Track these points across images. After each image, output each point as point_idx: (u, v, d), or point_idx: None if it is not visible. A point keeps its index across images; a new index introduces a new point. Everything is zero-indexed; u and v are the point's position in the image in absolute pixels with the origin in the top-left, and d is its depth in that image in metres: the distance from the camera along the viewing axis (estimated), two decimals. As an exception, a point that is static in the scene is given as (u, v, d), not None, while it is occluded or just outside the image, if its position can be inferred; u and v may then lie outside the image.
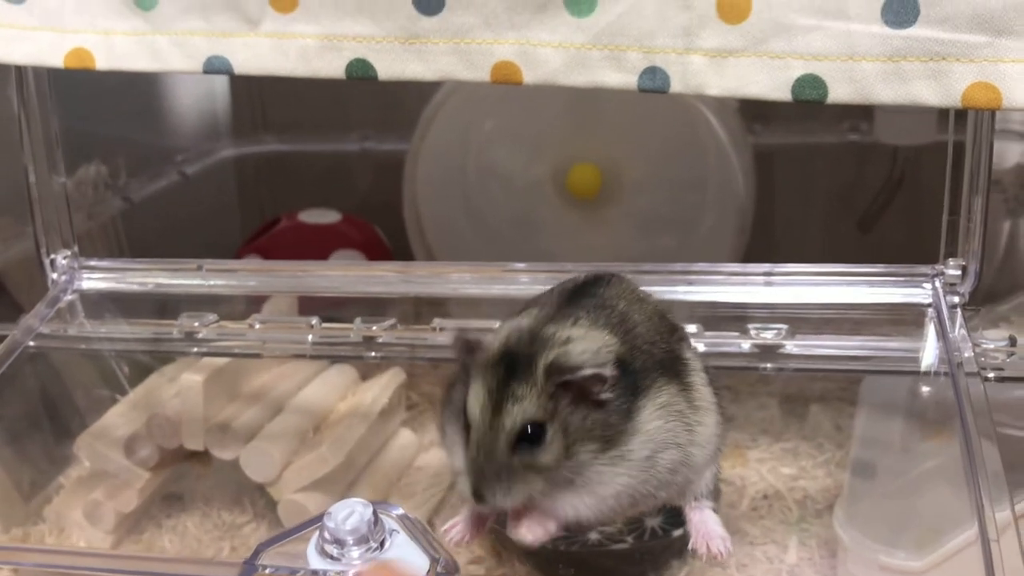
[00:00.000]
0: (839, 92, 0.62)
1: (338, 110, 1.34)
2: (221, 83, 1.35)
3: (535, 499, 0.54)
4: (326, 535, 0.49)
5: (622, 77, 0.65)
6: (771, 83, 0.63)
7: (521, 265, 0.78)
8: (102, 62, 0.69)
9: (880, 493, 0.76)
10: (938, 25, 0.59)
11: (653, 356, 0.57)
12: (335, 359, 0.84)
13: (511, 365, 0.53)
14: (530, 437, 0.53)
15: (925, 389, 0.65)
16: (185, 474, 0.90)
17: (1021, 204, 1.20)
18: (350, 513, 0.50)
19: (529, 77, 0.66)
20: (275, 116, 1.37)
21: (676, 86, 0.64)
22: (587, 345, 0.54)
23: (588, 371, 0.52)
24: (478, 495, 0.53)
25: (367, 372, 0.97)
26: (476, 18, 0.65)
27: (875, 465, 0.76)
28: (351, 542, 0.49)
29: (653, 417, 0.55)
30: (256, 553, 0.49)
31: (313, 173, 1.36)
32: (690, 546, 0.62)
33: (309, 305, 0.84)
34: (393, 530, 0.51)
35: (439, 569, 0.49)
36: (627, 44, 0.64)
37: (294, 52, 0.66)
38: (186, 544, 0.84)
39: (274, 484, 0.82)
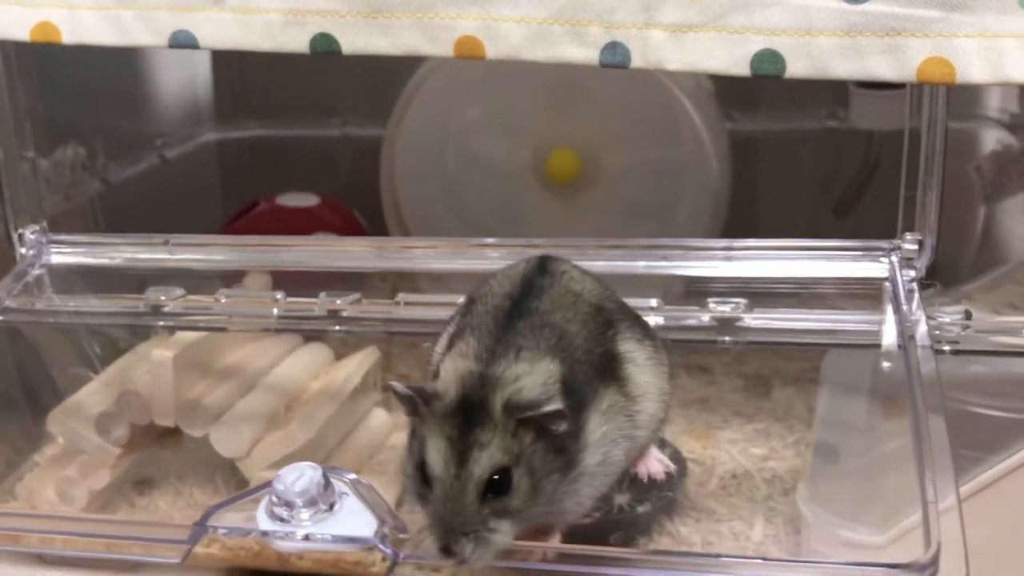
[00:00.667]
0: (797, 67, 0.62)
1: (320, 95, 1.35)
2: (203, 67, 1.35)
3: None
4: (275, 498, 0.50)
5: (584, 52, 0.65)
6: (730, 58, 0.63)
7: (491, 240, 0.79)
8: (68, 36, 0.69)
9: (843, 470, 0.77)
10: (894, 0, 0.60)
11: (591, 363, 0.57)
12: (300, 332, 0.85)
13: (468, 412, 0.52)
14: (498, 485, 0.52)
15: (885, 364, 0.66)
16: (158, 452, 0.90)
17: (998, 189, 1.21)
18: (299, 476, 0.50)
19: (492, 52, 0.66)
20: (257, 101, 1.37)
21: (637, 61, 0.65)
22: (536, 379, 0.54)
23: (548, 407, 0.52)
24: (447, 551, 0.51)
25: (342, 351, 0.98)
26: (439, -8, 0.65)
27: (838, 442, 0.77)
28: (300, 504, 0.50)
29: (599, 425, 0.56)
30: (207, 515, 0.50)
31: (295, 158, 1.37)
32: (632, 470, 0.62)
33: (286, 282, 0.84)
34: (343, 493, 0.51)
35: (387, 530, 0.49)
36: (588, 19, 0.64)
37: (259, 26, 0.67)
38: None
39: (244, 461, 0.83)
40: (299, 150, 1.36)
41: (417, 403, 0.53)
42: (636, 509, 0.81)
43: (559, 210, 1.18)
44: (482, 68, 1.12)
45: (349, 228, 1.19)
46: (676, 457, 0.87)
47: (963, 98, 1.24)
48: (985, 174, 1.21)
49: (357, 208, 1.26)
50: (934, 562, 0.47)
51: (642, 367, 0.60)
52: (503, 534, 0.52)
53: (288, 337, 0.95)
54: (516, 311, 0.58)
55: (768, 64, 0.62)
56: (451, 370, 0.54)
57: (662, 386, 0.61)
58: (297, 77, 1.32)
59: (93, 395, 0.87)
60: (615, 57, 0.65)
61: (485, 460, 0.51)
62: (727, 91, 1.24)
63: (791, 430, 0.94)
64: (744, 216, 1.20)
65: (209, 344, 0.87)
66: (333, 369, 0.93)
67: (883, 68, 0.61)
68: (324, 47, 0.67)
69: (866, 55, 0.61)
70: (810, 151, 1.26)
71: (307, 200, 1.20)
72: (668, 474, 0.85)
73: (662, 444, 0.89)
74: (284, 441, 0.81)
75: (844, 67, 0.62)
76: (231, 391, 0.86)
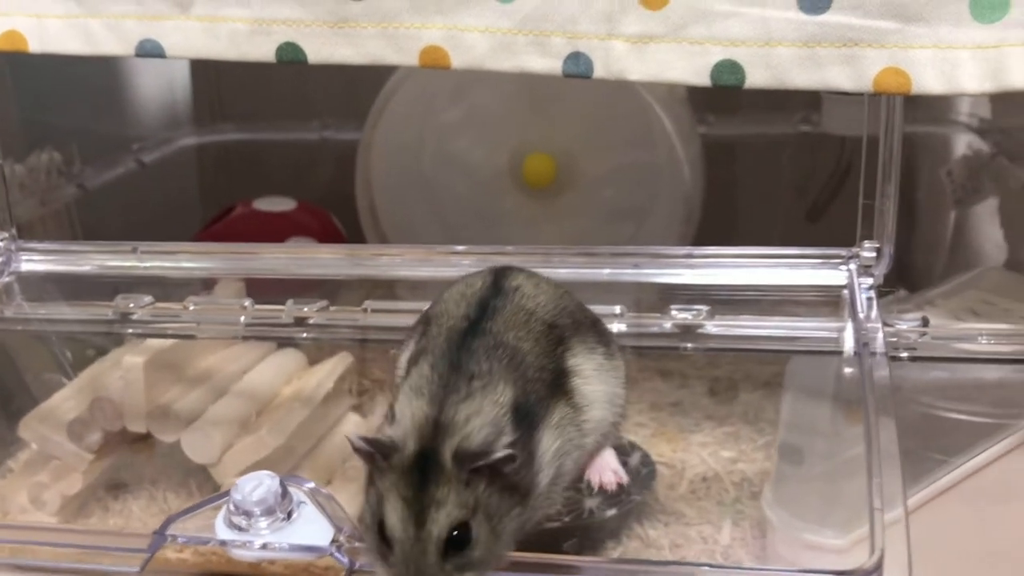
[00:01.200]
0: (756, 77, 0.63)
1: (298, 99, 1.35)
2: (181, 73, 1.36)
3: None
4: (233, 507, 0.50)
5: (547, 62, 0.66)
6: (690, 68, 0.64)
7: (461, 248, 0.79)
8: (35, 45, 0.69)
9: (807, 474, 0.78)
10: (851, 11, 0.61)
11: (543, 380, 0.58)
12: (268, 339, 0.85)
13: (423, 467, 0.52)
14: (458, 540, 0.51)
15: (847, 370, 0.67)
16: (131, 457, 0.90)
17: (969, 194, 1.22)
18: (257, 485, 0.51)
19: (457, 62, 0.67)
20: (235, 106, 1.38)
21: (599, 71, 0.65)
22: (485, 417, 0.53)
23: (498, 455, 0.51)
24: None
25: (316, 357, 0.98)
26: (403, 2, 0.66)
27: (802, 447, 0.78)
28: (258, 513, 0.50)
29: (552, 441, 0.57)
30: (166, 524, 0.50)
31: (273, 162, 1.37)
32: (585, 478, 0.62)
33: (258, 289, 0.84)
34: (301, 502, 0.51)
35: (342, 539, 0.50)
36: (551, 29, 0.65)
37: (225, 35, 0.67)
38: (131, 527, 0.85)
39: (215, 467, 0.83)
40: (277, 154, 1.37)
41: (376, 458, 0.53)
42: (604, 513, 0.82)
43: (536, 215, 1.19)
44: (456, 74, 1.12)
45: (326, 232, 1.19)
46: (645, 460, 0.88)
47: (934, 103, 1.25)
48: (956, 179, 1.23)
49: (335, 212, 1.26)
50: (878, 567, 0.48)
51: (588, 378, 0.61)
52: None
53: (260, 342, 0.96)
54: (471, 333, 0.58)
55: (728, 74, 0.63)
56: (408, 414, 0.54)
57: (613, 392, 0.62)
58: (275, 82, 1.33)
59: (65, 401, 0.87)
60: (578, 67, 0.65)
61: (443, 519, 0.51)
62: (702, 96, 1.25)
63: (761, 433, 0.95)
64: (719, 220, 1.21)
65: (181, 350, 0.87)
66: (306, 375, 0.94)
67: (840, 78, 0.62)
68: (290, 56, 0.68)
69: (824, 65, 0.62)
70: (784, 156, 1.27)
71: (284, 204, 1.20)
72: (637, 475, 0.86)
73: (631, 447, 0.90)
74: (254, 447, 0.82)
75: (802, 77, 0.62)
76: (203, 397, 0.86)
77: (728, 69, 0.63)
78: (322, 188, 1.31)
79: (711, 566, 0.54)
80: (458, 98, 1.15)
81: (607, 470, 0.62)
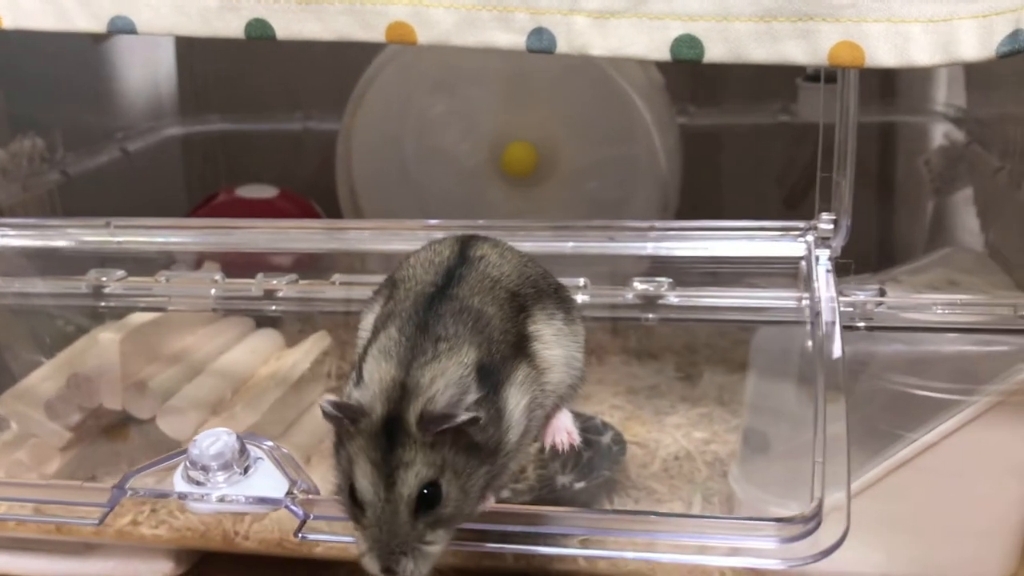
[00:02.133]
0: (714, 51, 0.64)
1: (282, 90, 1.36)
2: (166, 64, 1.37)
3: None
4: (191, 462, 0.51)
5: (511, 37, 0.67)
6: (651, 43, 0.65)
7: (434, 222, 0.81)
8: (8, 20, 0.70)
9: (773, 450, 0.79)
10: (806, -14, 0.62)
11: (507, 342, 0.59)
12: (237, 312, 0.86)
13: (391, 430, 0.53)
14: (428, 498, 0.53)
15: (808, 343, 0.68)
16: (109, 439, 0.91)
17: (947, 183, 1.23)
18: (215, 440, 0.52)
19: (423, 37, 0.68)
20: (220, 95, 1.39)
21: (562, 46, 0.66)
22: (449, 378, 0.54)
23: (461, 418, 0.52)
24: (388, 572, 0.53)
25: (294, 339, 0.99)
26: (370, -21, 0.67)
27: (767, 422, 0.79)
28: (215, 467, 0.51)
29: (518, 399, 0.58)
30: (125, 479, 0.51)
31: (257, 152, 1.38)
32: (539, 441, 0.64)
33: (237, 268, 0.85)
34: (258, 458, 0.52)
35: (297, 492, 0.51)
36: (515, 5, 0.66)
37: (195, 12, 0.68)
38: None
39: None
40: (261, 145, 1.38)
41: (344, 422, 0.54)
42: (574, 486, 0.83)
43: (517, 202, 1.20)
44: (436, 61, 1.14)
45: (307, 218, 1.21)
46: (616, 439, 0.90)
47: (913, 93, 1.27)
48: (934, 168, 1.24)
49: (318, 200, 1.27)
50: (816, 515, 0.49)
51: (547, 343, 0.62)
52: (439, 543, 0.54)
53: (239, 323, 0.97)
54: (437, 297, 0.59)
55: (687, 49, 0.64)
56: (376, 377, 0.55)
57: (571, 355, 0.63)
58: (260, 72, 1.34)
59: (44, 379, 0.88)
60: (541, 42, 0.66)
61: (412, 479, 0.52)
62: (683, 87, 1.27)
63: (734, 414, 0.96)
64: (699, 208, 1.22)
65: (158, 328, 0.88)
66: (283, 355, 0.95)
67: (796, 52, 0.63)
68: (259, 32, 0.69)
69: (780, 40, 0.63)
70: (763, 145, 1.29)
71: (266, 192, 1.22)
72: (608, 452, 0.87)
73: (604, 427, 0.91)
74: (228, 424, 0.81)
75: (760, 51, 0.63)
76: (179, 375, 0.87)
77: (687, 44, 0.64)
78: (305, 177, 1.32)
79: (656, 514, 0.55)
80: (439, 86, 1.16)
81: (561, 431, 0.64)
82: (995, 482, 0.75)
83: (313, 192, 1.28)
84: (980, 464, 0.73)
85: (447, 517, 0.54)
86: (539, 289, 0.64)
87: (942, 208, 1.22)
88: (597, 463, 0.86)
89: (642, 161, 1.13)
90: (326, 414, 0.54)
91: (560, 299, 0.65)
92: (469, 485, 0.54)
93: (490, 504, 0.57)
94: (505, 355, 0.58)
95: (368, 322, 0.63)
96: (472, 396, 0.54)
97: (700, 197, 1.23)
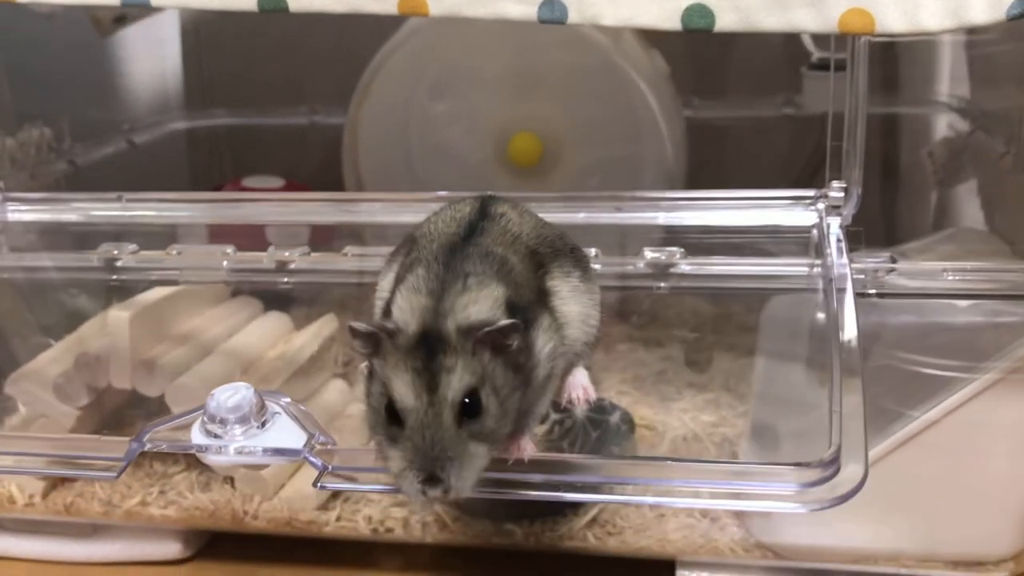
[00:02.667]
0: (725, 20, 0.64)
1: (288, 83, 1.37)
2: (172, 57, 1.38)
3: None
4: (208, 416, 0.51)
5: (522, 8, 0.67)
6: (662, 13, 0.65)
7: (443, 192, 0.81)
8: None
9: (783, 423, 0.79)
10: (816, -46, 0.62)
11: (530, 289, 0.59)
12: (250, 284, 0.86)
13: (429, 343, 0.52)
14: (471, 407, 0.52)
15: (819, 314, 0.68)
16: (119, 419, 0.91)
17: (951, 174, 1.23)
18: (233, 394, 0.52)
19: (435, 9, 0.68)
20: (226, 89, 1.40)
21: (574, 16, 0.67)
22: (483, 304, 0.55)
23: (502, 322, 0.53)
24: (433, 479, 0.51)
25: (302, 322, 0.99)
26: (382, -49, 0.67)
27: (778, 394, 0.79)
28: (232, 420, 0.51)
29: (545, 342, 0.58)
30: (142, 433, 0.51)
31: (264, 145, 1.39)
32: (557, 395, 0.64)
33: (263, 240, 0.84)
34: (276, 413, 0.52)
35: (316, 443, 0.51)
36: (526, -25, 0.67)
37: (208, -16, 0.69)
38: (116, 489, 0.85)
39: (200, 422, 0.84)
40: (268, 138, 1.38)
41: (380, 339, 0.53)
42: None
43: (523, 193, 1.19)
44: (442, 52, 1.15)
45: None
46: (624, 417, 0.90)
47: (915, 84, 1.27)
48: (937, 159, 1.24)
49: (324, 194, 1.28)
50: (835, 460, 0.49)
51: (565, 299, 0.62)
52: (482, 458, 0.52)
53: (248, 304, 0.97)
54: (462, 244, 0.60)
55: (698, 18, 0.65)
56: (405, 306, 0.55)
57: (587, 312, 0.64)
58: (266, 66, 1.35)
59: (53, 360, 0.88)
60: (552, 13, 0.67)
61: (456, 382, 0.51)
62: (687, 79, 1.27)
63: (743, 400, 0.96)
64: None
65: (168, 307, 0.88)
66: (291, 337, 0.95)
67: (807, 20, 0.63)
68: (272, 5, 0.69)
69: (790, 8, 0.63)
70: (768, 137, 1.29)
71: (272, 183, 1.22)
72: (617, 431, 0.88)
73: (612, 407, 0.91)
74: (237, 403, 0.83)
75: (770, 20, 0.64)
76: (188, 354, 0.88)
77: (698, 12, 0.65)
78: (311, 171, 1.32)
79: (675, 459, 0.55)
80: (444, 77, 1.17)
81: (578, 387, 0.64)
82: (1003, 458, 0.75)
83: (319, 186, 1.28)
84: (987, 440, 0.73)
85: (488, 431, 0.52)
86: (556, 249, 0.64)
87: (946, 198, 1.23)
88: (606, 442, 0.86)
89: (648, 150, 1.13)
90: (359, 333, 0.53)
91: (576, 259, 0.65)
92: (508, 404, 0.53)
93: (530, 451, 0.57)
94: (529, 301, 0.58)
95: (387, 282, 0.63)
96: (508, 319, 0.54)
97: (705, 188, 1.23)
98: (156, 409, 0.87)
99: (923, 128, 1.27)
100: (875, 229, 1.27)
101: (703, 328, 1.07)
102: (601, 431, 0.88)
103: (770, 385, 0.79)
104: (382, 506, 0.80)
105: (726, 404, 0.97)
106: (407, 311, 0.54)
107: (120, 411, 0.91)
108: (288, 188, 1.22)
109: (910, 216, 1.30)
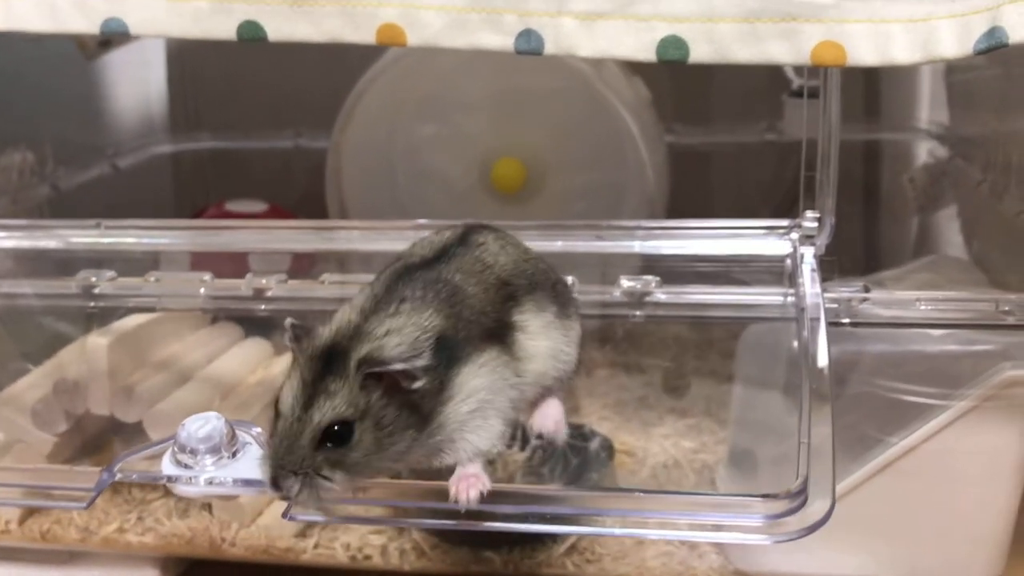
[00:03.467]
0: (699, 52, 0.65)
1: (272, 107, 1.37)
2: (157, 80, 1.38)
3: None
4: (179, 445, 0.51)
5: (499, 39, 0.68)
6: (637, 44, 0.66)
7: (423, 221, 0.81)
8: (1, 23, 0.71)
9: (760, 451, 0.79)
10: (789, -13, 0.63)
11: (481, 325, 0.59)
12: (227, 311, 0.86)
13: (330, 359, 0.54)
14: (337, 435, 0.53)
15: (795, 342, 0.68)
16: (99, 445, 0.91)
17: (931, 199, 1.24)
18: (203, 424, 0.52)
19: (413, 39, 0.69)
20: (210, 114, 1.40)
21: (550, 48, 0.67)
22: (404, 337, 0.55)
23: (397, 366, 0.53)
24: (275, 484, 0.53)
25: (282, 347, 0.99)
26: (361, -19, 0.68)
27: (754, 423, 0.79)
28: (203, 450, 0.51)
29: (471, 378, 0.58)
30: (114, 463, 0.51)
31: (248, 169, 1.39)
32: (528, 424, 0.65)
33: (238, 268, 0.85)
34: (247, 443, 0.53)
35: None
36: (503, 7, 0.67)
37: (188, 13, 0.69)
38: (93, 516, 0.85)
39: (178, 448, 0.84)
40: (252, 161, 1.39)
41: (291, 339, 0.55)
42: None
43: (506, 218, 1.19)
44: (425, 77, 1.15)
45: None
46: (604, 444, 0.90)
47: (895, 111, 1.29)
48: (918, 184, 1.25)
49: (309, 218, 1.28)
50: (803, 491, 0.49)
51: (533, 334, 0.63)
52: (336, 483, 0.54)
53: (228, 330, 0.97)
54: (419, 267, 0.60)
55: (673, 50, 0.65)
56: (336, 318, 0.57)
57: (558, 348, 0.64)
58: (250, 89, 1.35)
59: (31, 386, 0.88)
60: (529, 44, 0.67)
61: (327, 409, 0.53)
62: (669, 105, 1.28)
63: (723, 426, 0.97)
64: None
65: (147, 333, 0.88)
66: (271, 363, 0.95)
67: (780, 52, 0.64)
68: (251, 34, 0.70)
69: (764, 40, 0.64)
70: (750, 162, 1.30)
71: (255, 206, 1.22)
72: (596, 458, 0.88)
73: (591, 433, 0.91)
74: (216, 429, 0.82)
75: (744, 52, 0.65)
76: (167, 380, 0.88)
77: (673, 44, 0.65)
78: (296, 195, 1.33)
79: (644, 491, 0.56)
80: (427, 102, 1.18)
81: (549, 419, 0.64)
82: (979, 484, 0.75)
83: (304, 209, 1.29)
84: (964, 466, 0.74)
85: (350, 462, 0.54)
86: (534, 282, 0.64)
87: (926, 224, 1.24)
88: (586, 468, 0.86)
89: (630, 176, 1.14)
90: (285, 327, 0.55)
91: (557, 293, 0.65)
92: (388, 442, 0.54)
93: (474, 493, 0.57)
94: (473, 336, 0.58)
95: None
96: (422, 361, 0.55)
97: (687, 214, 1.23)
98: (135, 435, 0.87)
99: (904, 154, 1.28)
100: (856, 254, 1.30)
101: (685, 354, 1.08)
102: (581, 458, 0.88)
103: (747, 412, 0.80)
104: (360, 533, 0.80)
105: (707, 429, 0.97)
106: (334, 323, 0.56)
107: (99, 436, 0.91)
108: (271, 212, 1.22)
109: (891, 241, 1.31)
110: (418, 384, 0.54)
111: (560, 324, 0.64)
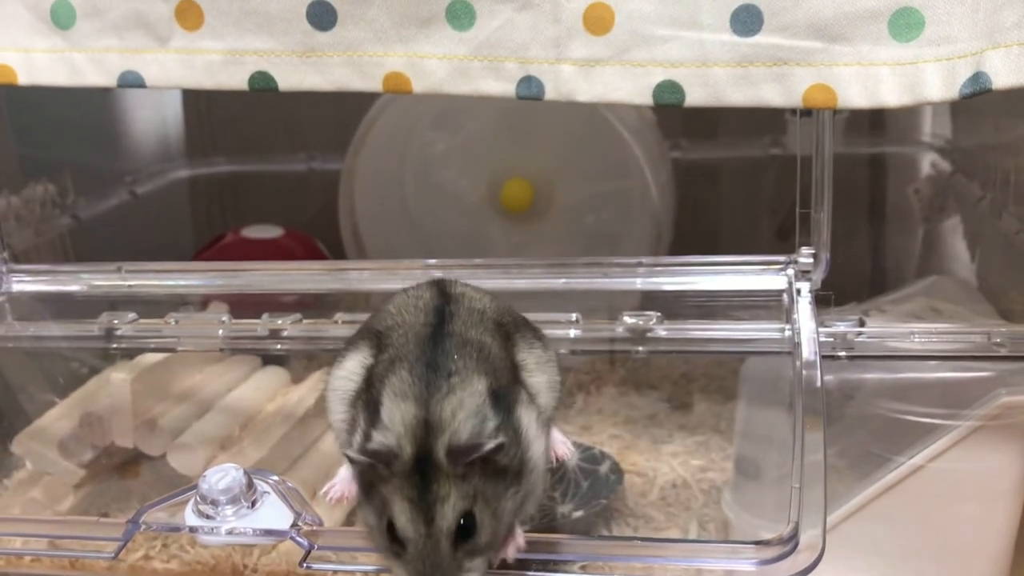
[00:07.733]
0: (695, 96, 0.67)
1: (287, 131, 1.40)
2: (173, 107, 1.41)
3: None
4: (200, 496, 0.54)
5: (501, 86, 0.70)
6: (634, 89, 0.68)
7: (433, 261, 0.84)
8: (23, 77, 0.74)
9: (763, 475, 0.81)
10: (780, 33, 0.65)
11: (507, 369, 0.62)
12: (246, 352, 0.89)
13: (422, 467, 0.54)
14: (464, 529, 0.54)
15: (791, 372, 0.70)
16: (120, 482, 0.94)
17: (935, 211, 1.26)
18: (223, 476, 0.54)
19: (418, 87, 0.71)
20: (226, 138, 1.43)
21: (550, 93, 0.70)
22: (469, 409, 0.56)
23: (488, 446, 0.54)
24: None
25: (299, 375, 1.02)
26: (367, 33, 0.70)
27: (757, 449, 0.81)
28: (224, 501, 0.54)
29: (530, 417, 0.60)
30: (138, 514, 0.54)
31: (263, 192, 1.42)
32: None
33: (257, 306, 0.87)
34: (265, 492, 0.55)
35: (302, 524, 0.53)
36: (504, 55, 0.69)
37: (200, 66, 0.72)
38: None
39: (201, 479, 0.87)
40: (267, 185, 1.42)
41: (378, 468, 0.55)
42: (572, 515, 0.85)
43: (515, 237, 1.23)
44: (436, 102, 1.18)
45: (311, 257, 1.24)
46: (614, 468, 0.92)
47: (900, 124, 1.30)
48: (923, 196, 1.27)
49: (322, 239, 1.31)
50: (794, 536, 0.51)
51: (532, 371, 0.65)
52: (476, 571, 0.55)
53: (246, 360, 1.00)
54: (438, 335, 0.61)
55: (669, 94, 0.67)
56: (396, 418, 0.57)
57: (552, 380, 0.66)
58: (265, 115, 1.38)
59: (58, 419, 0.91)
60: (530, 90, 0.70)
61: (449, 512, 0.54)
62: (675, 121, 1.30)
63: (731, 442, 0.99)
64: (693, 239, 1.25)
65: (168, 367, 0.91)
66: (288, 392, 0.98)
67: (772, 95, 0.66)
68: (262, 84, 0.72)
69: (757, 83, 0.66)
70: (755, 177, 1.32)
71: (271, 232, 1.25)
72: (606, 481, 0.90)
73: (601, 456, 0.94)
74: (236, 460, 0.85)
75: (737, 95, 0.67)
76: (189, 412, 0.90)
77: (669, 89, 0.67)
78: (310, 217, 1.36)
79: (639, 539, 0.58)
80: (439, 126, 1.20)
81: (558, 443, 0.67)
82: (980, 504, 0.77)
83: (318, 231, 1.31)
84: (965, 487, 0.76)
85: (483, 545, 0.55)
86: (515, 318, 0.67)
87: (932, 236, 1.25)
88: (595, 492, 0.88)
89: (635, 196, 1.16)
90: (355, 461, 0.56)
91: (532, 329, 0.68)
92: (500, 509, 0.56)
93: (513, 549, 0.58)
94: (508, 380, 0.61)
95: (350, 368, 0.65)
96: (492, 423, 0.56)
97: (694, 229, 1.26)
98: (157, 464, 0.90)
99: (908, 167, 1.29)
100: (862, 267, 1.31)
101: (691, 374, 1.10)
102: (591, 481, 0.90)
103: (750, 442, 0.82)
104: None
105: (715, 446, 0.99)
106: (398, 424, 0.56)
107: (124, 466, 0.94)
108: (286, 236, 1.25)
109: (897, 252, 1.32)
110: (502, 444, 0.55)
111: (547, 357, 0.66)
